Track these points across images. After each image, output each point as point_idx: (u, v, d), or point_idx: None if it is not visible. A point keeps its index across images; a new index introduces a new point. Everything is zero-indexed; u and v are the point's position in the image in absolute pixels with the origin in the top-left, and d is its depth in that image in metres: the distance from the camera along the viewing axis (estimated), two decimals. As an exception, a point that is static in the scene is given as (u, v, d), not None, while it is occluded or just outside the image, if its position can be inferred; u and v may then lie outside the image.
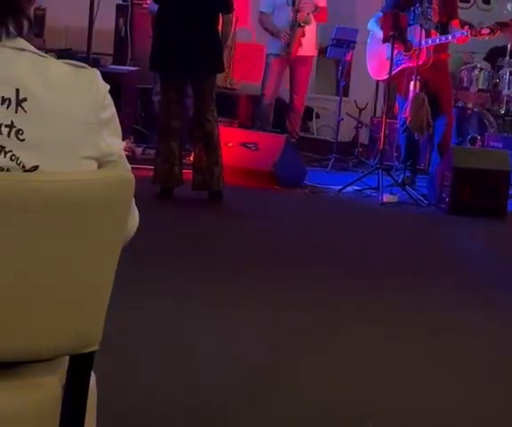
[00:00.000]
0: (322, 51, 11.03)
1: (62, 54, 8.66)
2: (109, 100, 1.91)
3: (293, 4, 8.64)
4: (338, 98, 9.47)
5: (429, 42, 7.65)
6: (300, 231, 6.18)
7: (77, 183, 1.77)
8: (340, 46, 9.06)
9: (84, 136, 1.83)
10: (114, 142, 1.92)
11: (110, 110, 1.90)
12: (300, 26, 8.63)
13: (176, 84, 6.65)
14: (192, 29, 6.43)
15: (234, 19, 10.45)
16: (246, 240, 5.73)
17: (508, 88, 9.03)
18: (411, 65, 7.75)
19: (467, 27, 7.75)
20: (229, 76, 10.48)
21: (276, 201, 7.18)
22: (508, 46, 9.27)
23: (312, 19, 8.74)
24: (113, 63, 9.32)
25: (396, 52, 7.70)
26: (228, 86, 10.51)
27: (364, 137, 9.92)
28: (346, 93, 10.14)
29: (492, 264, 5.66)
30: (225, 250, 5.36)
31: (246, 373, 3.39)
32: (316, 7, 8.68)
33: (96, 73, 1.89)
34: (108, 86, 1.91)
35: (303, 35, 8.67)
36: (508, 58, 9.18)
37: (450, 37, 7.67)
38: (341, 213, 6.97)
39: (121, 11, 9.61)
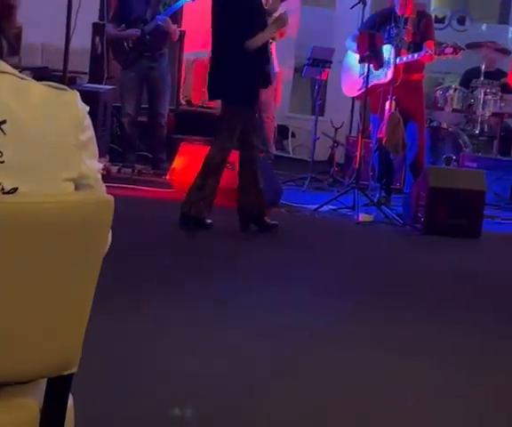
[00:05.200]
0: (297, 70, 11.10)
1: (38, 72, 8.65)
2: (88, 121, 1.92)
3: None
4: (313, 117, 9.50)
5: (396, 60, 7.71)
6: (276, 251, 6.19)
7: (56, 206, 1.77)
8: (316, 66, 9.07)
9: (64, 158, 1.83)
10: (92, 165, 1.92)
11: (89, 132, 1.91)
12: None
13: None
14: None
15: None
16: (229, 258, 5.74)
17: (483, 108, 9.11)
18: (379, 82, 7.81)
19: (432, 46, 7.82)
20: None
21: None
22: (482, 67, 9.37)
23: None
24: (89, 82, 9.31)
25: (367, 68, 7.76)
26: (204, 105, 10.52)
27: (339, 156, 9.96)
28: (321, 113, 10.18)
29: (465, 283, 5.70)
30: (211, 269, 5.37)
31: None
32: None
33: (76, 95, 1.90)
34: (88, 108, 1.92)
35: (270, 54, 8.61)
36: (482, 78, 9.27)
37: (416, 56, 7.73)
38: (317, 232, 6.99)
39: (97, 29, 9.61)
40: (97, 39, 9.61)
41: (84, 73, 9.49)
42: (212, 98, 6.91)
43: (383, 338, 4.32)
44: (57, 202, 1.79)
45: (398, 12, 7.86)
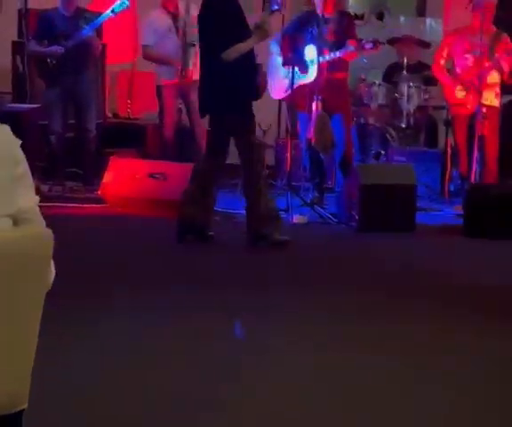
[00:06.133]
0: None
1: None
2: (22, 155, 1.89)
3: (177, 30, 8.58)
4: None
5: (320, 59, 7.77)
6: (217, 259, 6.19)
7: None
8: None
9: (0, 194, 1.81)
10: (29, 197, 1.90)
11: (23, 165, 1.89)
12: (193, 45, 8.52)
13: None
14: None
15: (133, 49, 10.46)
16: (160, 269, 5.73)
17: (407, 102, 9.23)
18: (304, 83, 7.86)
19: (354, 44, 7.91)
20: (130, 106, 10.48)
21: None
22: (404, 61, 9.49)
23: None
24: (12, 101, 9.18)
25: (291, 70, 7.81)
26: (131, 117, 10.48)
27: (269, 159, 9.97)
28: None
29: (403, 276, 5.81)
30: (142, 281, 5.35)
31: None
32: None
33: (6, 129, 1.88)
34: (20, 141, 1.90)
35: (195, 54, 8.58)
36: (404, 72, 9.39)
37: (338, 53, 7.80)
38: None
39: (17, 47, 9.48)
40: (18, 58, 9.49)
41: (7, 93, 9.36)
42: (202, 115, 6.79)
43: (335, 336, 4.38)
44: (-4, 239, 1.76)
45: (319, 11, 7.91)
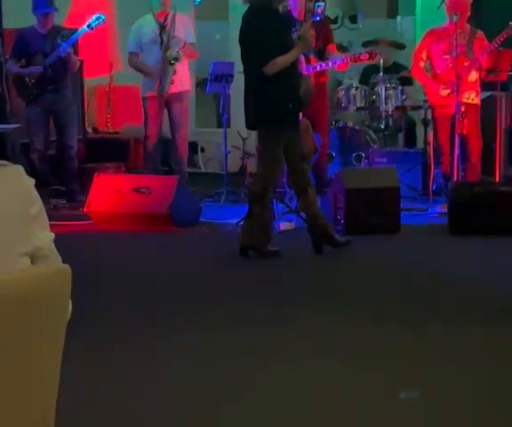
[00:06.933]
0: (200, 84, 11.13)
1: None
2: (36, 193, 1.93)
3: (161, 42, 8.60)
4: (220, 130, 9.54)
5: (310, 69, 7.81)
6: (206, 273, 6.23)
7: (15, 281, 1.78)
8: (219, 81, 9.12)
9: (17, 234, 1.84)
10: (45, 235, 1.93)
11: (38, 204, 1.92)
12: (170, 64, 8.56)
13: None
14: None
15: (110, 62, 10.48)
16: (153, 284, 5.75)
17: (385, 103, 9.30)
18: None
19: (345, 53, 7.99)
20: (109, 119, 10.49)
21: (176, 243, 7.20)
22: (380, 62, 9.55)
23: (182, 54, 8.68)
24: (-7, 122, 9.17)
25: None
26: (110, 130, 10.49)
27: (251, 166, 10.02)
28: (228, 124, 10.24)
29: (391, 278, 5.89)
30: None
31: None
32: (184, 43, 8.62)
33: (20, 169, 1.91)
34: (34, 180, 1.93)
35: (174, 72, 8.62)
36: (381, 74, 9.45)
37: (330, 64, 7.86)
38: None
39: (-5, 67, 9.46)
40: (-5, 78, 9.47)
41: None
42: (248, 128, 6.78)
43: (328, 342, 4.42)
44: (15, 278, 1.79)
45: (297, 16, 7.91)
